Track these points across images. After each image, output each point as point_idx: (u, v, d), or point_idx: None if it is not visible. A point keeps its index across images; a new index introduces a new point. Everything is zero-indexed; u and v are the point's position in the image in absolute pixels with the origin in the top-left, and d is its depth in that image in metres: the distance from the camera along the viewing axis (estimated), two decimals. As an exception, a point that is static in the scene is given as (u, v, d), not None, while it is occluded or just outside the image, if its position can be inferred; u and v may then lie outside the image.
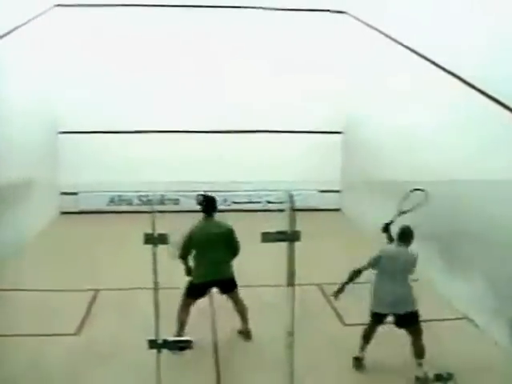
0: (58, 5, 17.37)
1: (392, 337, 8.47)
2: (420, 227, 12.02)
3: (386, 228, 8.77)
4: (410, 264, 8.25)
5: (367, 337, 8.46)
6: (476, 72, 10.00)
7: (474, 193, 9.92)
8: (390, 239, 8.72)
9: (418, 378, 7.39)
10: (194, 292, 8.92)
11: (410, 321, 8.11)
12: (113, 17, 17.79)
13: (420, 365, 8.00)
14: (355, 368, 8.37)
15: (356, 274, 8.27)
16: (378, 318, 8.32)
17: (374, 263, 8.32)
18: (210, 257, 8.79)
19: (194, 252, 8.88)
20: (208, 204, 9.09)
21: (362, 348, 8.46)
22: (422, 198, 8.93)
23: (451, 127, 10.91)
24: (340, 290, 8.26)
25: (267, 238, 5.76)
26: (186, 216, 15.82)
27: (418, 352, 8.08)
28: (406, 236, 8.48)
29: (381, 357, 8.57)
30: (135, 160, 17.85)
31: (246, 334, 9.26)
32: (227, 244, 8.95)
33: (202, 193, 9.46)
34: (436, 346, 8.59)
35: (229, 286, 9.06)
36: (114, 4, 17.73)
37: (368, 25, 15.77)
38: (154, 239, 6.27)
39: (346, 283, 8.26)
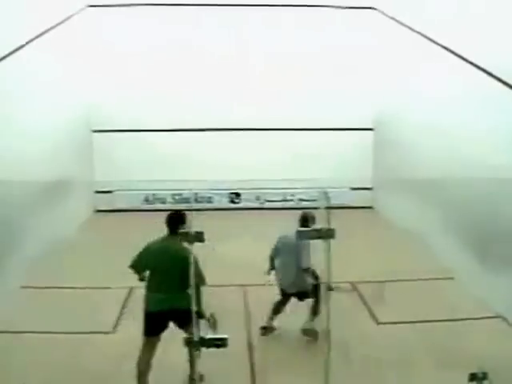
0: (91, 5, 17.54)
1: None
2: (454, 225, 12.08)
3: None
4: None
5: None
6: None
7: (508, 190, 9.78)
8: None
9: (304, 330, 9.09)
10: None
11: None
12: (144, 16, 17.92)
13: (311, 320, 9.10)
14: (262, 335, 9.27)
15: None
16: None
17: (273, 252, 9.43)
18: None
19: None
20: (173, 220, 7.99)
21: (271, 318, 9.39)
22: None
23: (485, 125, 10.73)
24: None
25: (303, 235, 5.79)
26: (220, 214, 15.98)
27: (313, 311, 9.12)
28: (305, 221, 9.00)
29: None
30: (169, 158, 17.96)
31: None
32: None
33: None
34: (470, 345, 8.56)
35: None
36: (145, 3, 17.86)
37: (397, 21, 15.67)
38: (190, 237, 6.29)
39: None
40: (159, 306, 7.46)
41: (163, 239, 8.07)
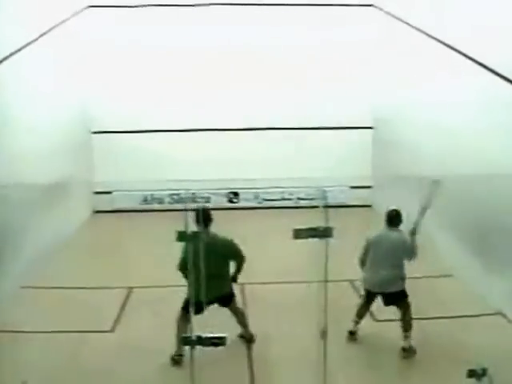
0: (91, 6, 17.56)
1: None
2: (455, 223, 12.08)
3: (414, 231, 8.75)
4: (399, 247, 8.84)
5: (360, 314, 9.23)
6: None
7: (508, 186, 9.73)
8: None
9: (404, 349, 8.56)
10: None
11: (397, 299, 8.75)
12: (145, 17, 17.93)
13: (406, 337, 8.61)
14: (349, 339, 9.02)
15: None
16: (369, 297, 9.13)
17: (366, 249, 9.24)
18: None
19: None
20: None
21: (356, 323, 9.19)
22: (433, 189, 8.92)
23: (486, 122, 10.73)
24: None
25: (300, 234, 5.80)
26: (217, 213, 15.96)
27: (405, 326, 8.65)
28: (392, 219, 9.17)
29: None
30: (167, 158, 17.95)
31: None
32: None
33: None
34: (470, 341, 8.59)
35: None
36: (146, 4, 17.89)
37: (396, 17, 15.65)
38: (187, 237, 6.32)
39: None
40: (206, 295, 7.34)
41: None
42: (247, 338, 9.06)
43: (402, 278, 8.90)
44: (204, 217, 7.85)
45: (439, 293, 10.87)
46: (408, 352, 8.56)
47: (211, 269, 7.31)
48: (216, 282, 7.94)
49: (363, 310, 9.28)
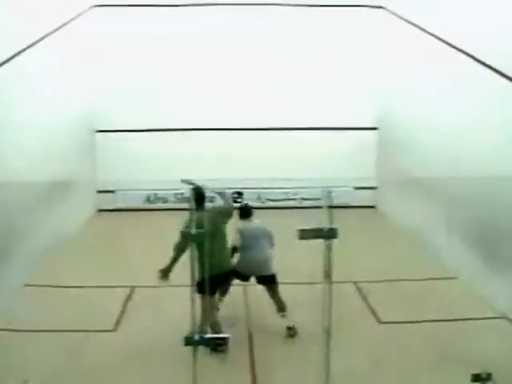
0: (97, 5, 17.57)
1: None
2: (458, 224, 12.04)
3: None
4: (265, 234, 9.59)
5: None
6: None
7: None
8: None
9: (289, 328, 9.22)
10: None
11: (268, 281, 9.44)
12: (149, 16, 17.96)
13: (283, 316, 9.34)
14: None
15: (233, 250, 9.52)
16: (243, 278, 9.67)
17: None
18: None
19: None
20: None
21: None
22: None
23: (490, 124, 10.69)
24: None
25: (304, 235, 5.75)
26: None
27: (280, 306, 9.39)
28: (245, 213, 9.75)
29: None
30: (171, 158, 17.94)
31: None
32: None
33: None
34: (474, 345, 8.53)
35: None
36: (151, 4, 17.92)
37: (406, 20, 15.60)
38: (192, 236, 6.29)
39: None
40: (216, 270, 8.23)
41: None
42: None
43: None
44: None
45: (444, 295, 10.79)
46: (293, 330, 9.19)
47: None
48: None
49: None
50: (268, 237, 9.59)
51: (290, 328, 9.22)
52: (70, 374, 7.90)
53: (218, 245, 8.63)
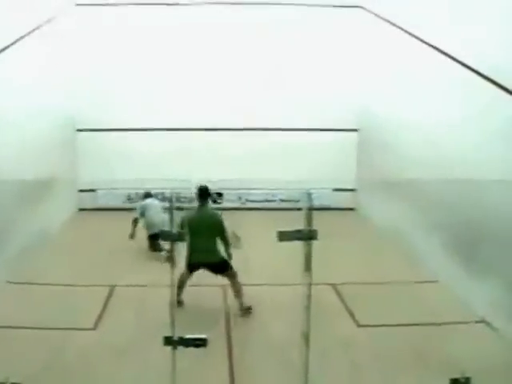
0: (79, 4, 17.54)
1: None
2: (438, 227, 12.12)
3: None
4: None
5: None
6: (497, 67, 9.75)
7: (493, 192, 9.74)
8: None
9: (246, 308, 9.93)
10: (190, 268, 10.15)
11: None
12: (133, 15, 17.93)
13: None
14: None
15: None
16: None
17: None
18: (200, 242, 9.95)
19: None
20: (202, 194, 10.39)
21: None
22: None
23: (471, 125, 10.70)
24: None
25: (283, 237, 5.80)
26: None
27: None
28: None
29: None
30: (152, 157, 17.94)
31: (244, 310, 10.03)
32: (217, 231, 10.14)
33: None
34: (453, 349, 8.56)
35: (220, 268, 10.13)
36: (134, 3, 17.88)
37: (384, 19, 15.67)
38: (171, 236, 6.34)
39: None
40: (199, 259, 10.06)
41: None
42: (245, 308, 10.01)
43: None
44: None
45: (423, 299, 10.83)
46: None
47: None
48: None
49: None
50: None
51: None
52: (49, 371, 7.89)
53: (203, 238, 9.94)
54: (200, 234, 9.90)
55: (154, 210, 13.69)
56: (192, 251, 10.02)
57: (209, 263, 10.05)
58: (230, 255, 10.20)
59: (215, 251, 10.13)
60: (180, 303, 9.88)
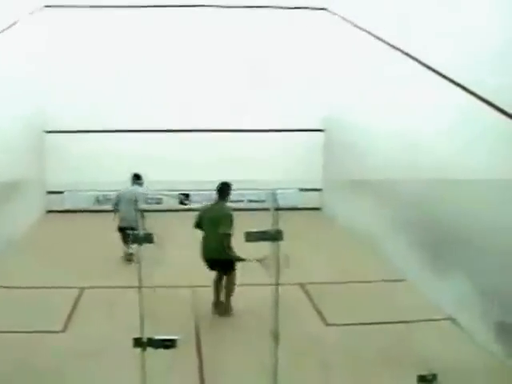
0: (48, 6, 17.48)
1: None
2: (404, 226, 12.24)
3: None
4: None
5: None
6: (461, 70, 9.88)
7: (459, 192, 9.85)
8: None
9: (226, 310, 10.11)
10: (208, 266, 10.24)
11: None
12: (101, 18, 17.95)
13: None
14: None
15: None
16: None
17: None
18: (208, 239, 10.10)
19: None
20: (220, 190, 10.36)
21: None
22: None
23: (435, 126, 10.87)
24: None
25: (250, 237, 5.86)
26: (169, 215, 15.97)
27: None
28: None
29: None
30: (120, 159, 17.83)
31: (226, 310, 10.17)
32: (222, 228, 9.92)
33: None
34: (420, 346, 8.66)
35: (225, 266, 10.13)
36: (102, 5, 17.88)
37: (349, 21, 15.84)
38: (140, 239, 6.36)
39: None
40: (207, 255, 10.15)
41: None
42: (225, 307, 10.17)
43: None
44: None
45: (391, 297, 10.92)
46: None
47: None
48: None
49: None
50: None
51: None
52: (17, 374, 7.86)
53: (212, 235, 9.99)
54: (209, 230, 10.06)
55: (127, 203, 13.50)
56: (203, 247, 10.16)
57: (216, 260, 10.05)
58: (229, 254, 10.03)
59: (221, 249, 9.90)
60: (218, 305, 10.29)
